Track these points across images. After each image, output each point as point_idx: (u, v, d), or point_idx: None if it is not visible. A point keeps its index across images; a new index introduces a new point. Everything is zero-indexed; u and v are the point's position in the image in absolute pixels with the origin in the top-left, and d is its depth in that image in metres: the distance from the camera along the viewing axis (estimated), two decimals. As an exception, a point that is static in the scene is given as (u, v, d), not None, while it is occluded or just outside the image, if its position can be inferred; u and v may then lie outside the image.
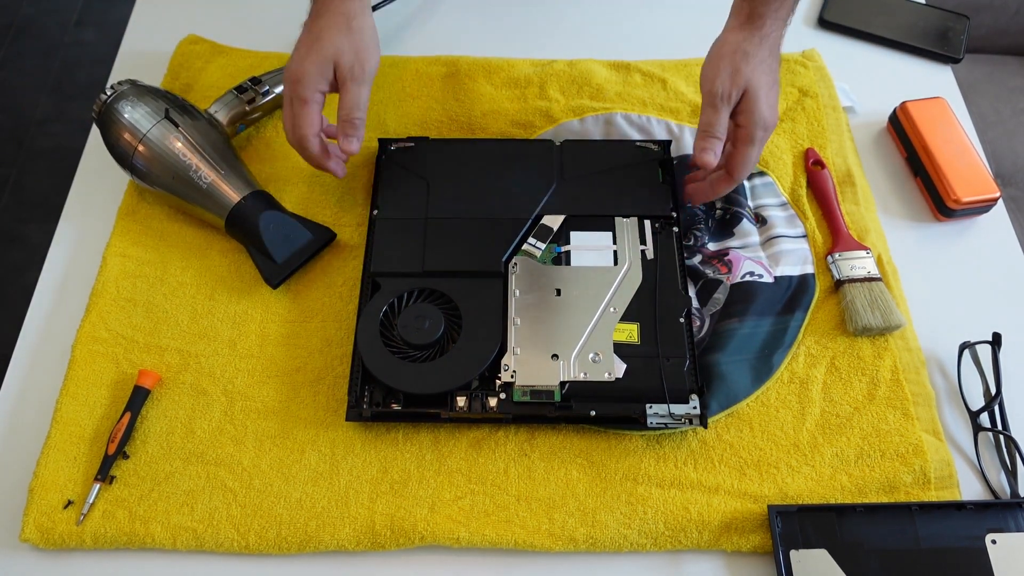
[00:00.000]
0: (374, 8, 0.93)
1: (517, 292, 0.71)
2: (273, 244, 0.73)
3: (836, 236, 0.77)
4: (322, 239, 0.75)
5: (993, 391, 0.70)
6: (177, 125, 0.75)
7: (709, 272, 0.75)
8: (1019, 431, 0.68)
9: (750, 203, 0.80)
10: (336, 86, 0.71)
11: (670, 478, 0.65)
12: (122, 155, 0.75)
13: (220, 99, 0.81)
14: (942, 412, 0.70)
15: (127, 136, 0.74)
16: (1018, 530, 0.62)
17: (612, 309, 0.70)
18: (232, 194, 0.74)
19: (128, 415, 0.67)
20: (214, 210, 0.74)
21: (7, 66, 1.97)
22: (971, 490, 0.66)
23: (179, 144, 0.74)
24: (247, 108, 0.82)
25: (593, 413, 0.65)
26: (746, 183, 0.81)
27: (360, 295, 0.72)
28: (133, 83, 0.78)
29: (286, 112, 0.72)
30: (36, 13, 2.07)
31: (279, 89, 0.84)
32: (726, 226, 0.78)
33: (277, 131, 0.85)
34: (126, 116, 0.75)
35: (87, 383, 0.69)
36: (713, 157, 0.68)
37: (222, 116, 0.80)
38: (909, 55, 0.94)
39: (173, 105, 0.76)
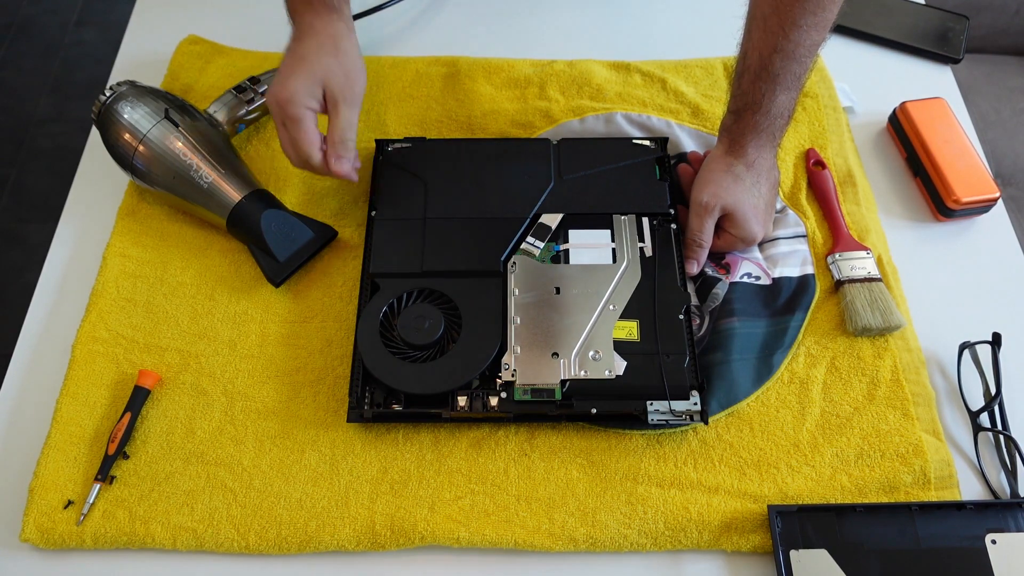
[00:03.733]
0: (378, 8, 0.93)
1: (516, 291, 0.71)
2: (275, 242, 0.73)
3: (836, 236, 0.77)
4: (324, 237, 0.76)
5: (993, 391, 0.69)
6: (177, 125, 0.75)
7: (708, 271, 0.75)
8: (1019, 431, 0.68)
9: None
10: (324, 107, 0.70)
11: (670, 478, 0.65)
12: (122, 156, 0.75)
13: (219, 99, 0.81)
14: (942, 412, 0.70)
15: (127, 137, 0.74)
16: (1018, 530, 0.62)
17: (611, 307, 0.70)
18: (233, 193, 0.74)
19: (128, 415, 0.67)
20: (215, 210, 0.74)
21: (7, 66, 1.97)
22: (971, 490, 0.66)
23: (179, 144, 0.74)
24: (246, 108, 0.82)
25: (594, 411, 0.65)
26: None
27: (359, 296, 0.72)
28: (132, 84, 0.78)
29: (281, 135, 0.71)
30: (36, 13, 2.07)
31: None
32: None
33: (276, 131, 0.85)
34: (126, 117, 0.75)
35: (87, 383, 0.69)
36: (696, 268, 0.74)
37: (221, 116, 0.80)
38: (909, 55, 0.94)
39: (172, 105, 0.76)
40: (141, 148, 0.74)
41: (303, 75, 0.69)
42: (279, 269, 0.73)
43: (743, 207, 0.73)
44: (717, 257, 0.76)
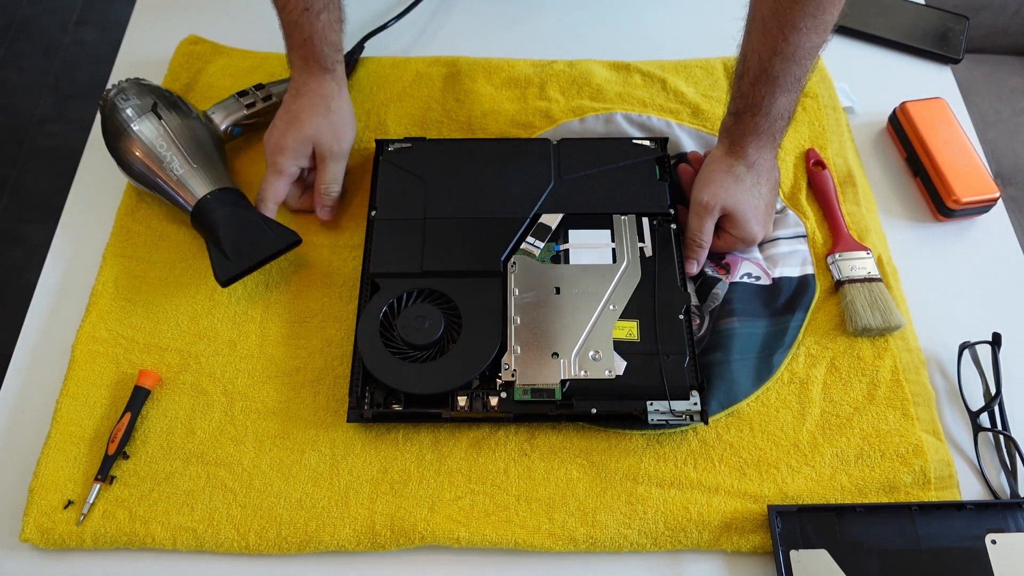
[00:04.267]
0: (399, 17, 0.93)
1: (516, 291, 0.71)
2: (229, 240, 0.71)
3: (836, 236, 0.77)
4: (284, 242, 0.72)
5: (993, 391, 0.69)
6: (160, 118, 0.75)
7: (708, 271, 0.75)
8: (1019, 431, 0.68)
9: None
10: (314, 161, 0.78)
11: (670, 478, 0.65)
12: (112, 147, 0.76)
13: (221, 102, 0.82)
14: (942, 412, 0.70)
15: (114, 127, 0.75)
16: (1018, 530, 0.62)
17: (611, 307, 0.70)
18: (200, 189, 0.74)
19: (128, 415, 0.67)
20: (182, 204, 0.74)
21: (7, 66, 1.97)
22: (971, 490, 0.66)
23: (158, 137, 0.74)
24: (245, 111, 0.82)
25: (594, 411, 0.65)
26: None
27: (359, 296, 0.72)
28: (137, 80, 0.79)
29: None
30: (36, 13, 2.07)
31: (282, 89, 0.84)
32: None
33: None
34: (119, 109, 0.76)
35: (87, 383, 0.69)
36: (696, 267, 0.74)
37: (219, 118, 0.80)
38: (909, 55, 0.94)
39: (165, 101, 0.77)
40: (125, 140, 0.75)
41: (295, 135, 0.76)
42: (227, 268, 0.71)
43: (743, 208, 0.73)
44: (717, 257, 0.76)
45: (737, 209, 0.72)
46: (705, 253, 0.74)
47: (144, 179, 0.75)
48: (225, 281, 0.71)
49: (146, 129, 0.75)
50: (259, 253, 0.72)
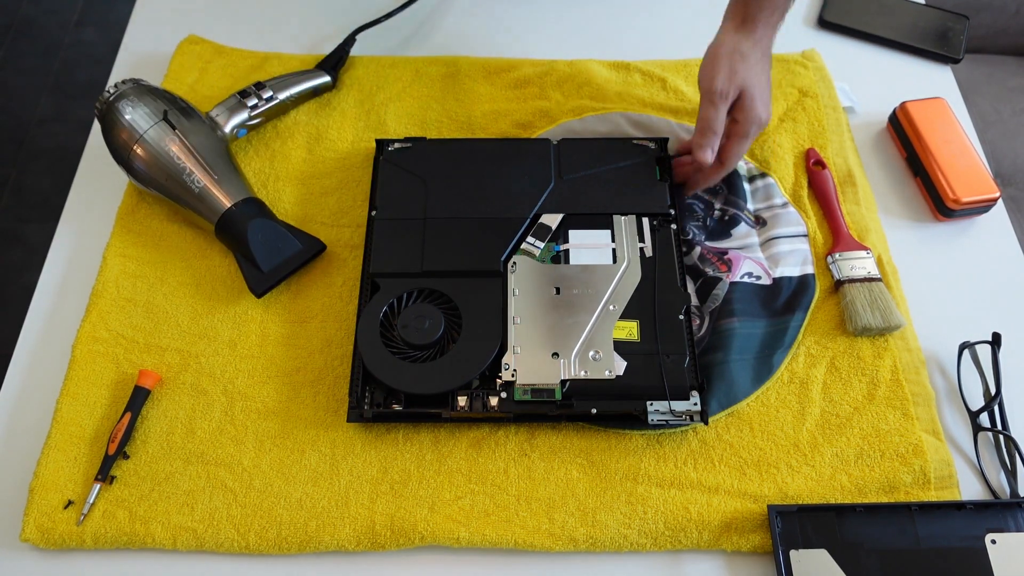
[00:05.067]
0: (385, 18, 0.93)
1: (516, 291, 0.71)
2: (260, 252, 0.73)
3: (836, 236, 0.77)
4: (312, 250, 0.75)
5: (993, 391, 0.70)
6: (174, 127, 0.75)
7: (709, 270, 0.75)
8: (1019, 431, 0.68)
9: (750, 206, 0.80)
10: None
11: (670, 478, 0.65)
12: (120, 154, 0.75)
13: (223, 102, 0.81)
14: (942, 412, 0.70)
15: (125, 136, 0.74)
16: (1018, 530, 0.62)
17: (611, 307, 0.70)
18: (224, 200, 0.74)
19: (128, 415, 0.67)
20: (206, 214, 0.74)
21: (7, 66, 1.97)
22: (971, 490, 0.66)
23: (175, 147, 0.74)
24: (249, 112, 0.81)
25: (594, 411, 0.65)
26: (747, 185, 0.81)
27: (360, 296, 0.72)
28: (136, 83, 0.78)
29: None
30: (36, 13, 2.07)
31: (283, 95, 0.83)
32: (724, 227, 0.78)
33: (277, 132, 0.85)
34: (126, 116, 0.75)
35: (87, 383, 0.69)
36: (711, 154, 0.72)
37: (223, 120, 0.80)
38: (909, 55, 0.94)
39: (173, 107, 0.76)
40: (137, 148, 0.74)
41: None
42: (262, 279, 0.73)
43: (752, 86, 0.71)
44: (719, 254, 0.76)
45: (747, 88, 0.71)
46: (719, 140, 0.72)
47: (159, 188, 0.75)
48: (260, 293, 0.73)
49: (160, 140, 0.74)
50: (291, 263, 0.74)
